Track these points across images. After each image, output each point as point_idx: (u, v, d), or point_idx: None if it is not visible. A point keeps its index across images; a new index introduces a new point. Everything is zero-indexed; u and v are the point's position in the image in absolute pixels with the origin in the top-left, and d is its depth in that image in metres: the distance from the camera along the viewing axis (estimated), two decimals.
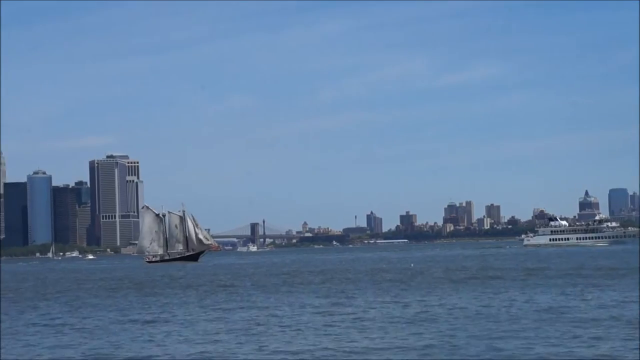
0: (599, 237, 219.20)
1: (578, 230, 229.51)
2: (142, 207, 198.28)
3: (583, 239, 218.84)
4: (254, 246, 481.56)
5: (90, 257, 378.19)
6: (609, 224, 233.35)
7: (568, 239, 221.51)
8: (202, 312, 48.79)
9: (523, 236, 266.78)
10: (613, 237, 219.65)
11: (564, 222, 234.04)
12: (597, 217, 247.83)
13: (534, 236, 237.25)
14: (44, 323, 45.77)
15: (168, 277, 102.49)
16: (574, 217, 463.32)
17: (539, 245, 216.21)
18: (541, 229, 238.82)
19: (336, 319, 42.11)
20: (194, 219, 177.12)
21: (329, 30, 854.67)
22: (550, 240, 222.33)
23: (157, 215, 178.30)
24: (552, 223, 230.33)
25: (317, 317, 43.61)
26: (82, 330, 41.29)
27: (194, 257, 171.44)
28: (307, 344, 33.07)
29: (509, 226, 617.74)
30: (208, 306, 53.15)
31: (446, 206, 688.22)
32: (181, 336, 37.09)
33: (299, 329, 38.19)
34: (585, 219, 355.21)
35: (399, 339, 33.60)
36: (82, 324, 44.11)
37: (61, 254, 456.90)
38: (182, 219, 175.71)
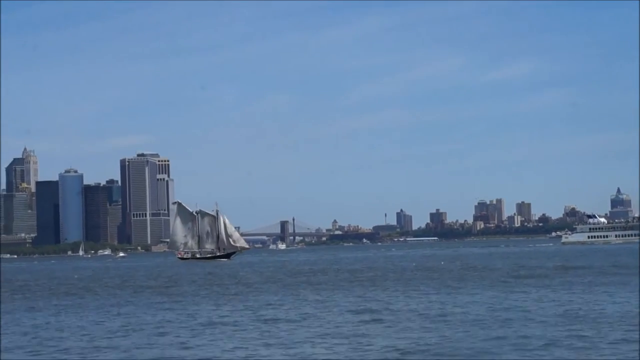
0: (638, 235, 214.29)
1: (617, 227, 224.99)
2: (174, 203, 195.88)
3: (622, 236, 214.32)
4: (283, 244, 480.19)
5: (122, 255, 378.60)
6: None
7: (607, 236, 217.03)
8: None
9: (554, 234, 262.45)
10: None
11: (602, 220, 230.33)
12: (635, 214, 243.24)
13: (572, 234, 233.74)
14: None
15: (191, 274, 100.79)
16: (606, 214, 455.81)
17: (579, 243, 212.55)
18: (579, 226, 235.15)
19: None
20: (226, 219, 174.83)
21: (364, 28, 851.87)
22: (588, 237, 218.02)
23: (190, 212, 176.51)
24: (591, 220, 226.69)
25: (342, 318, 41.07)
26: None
27: (227, 257, 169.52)
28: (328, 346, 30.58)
29: (540, 224, 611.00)
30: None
31: (476, 204, 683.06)
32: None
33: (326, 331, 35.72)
34: (618, 216, 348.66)
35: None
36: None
37: (92, 252, 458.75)
38: (215, 219, 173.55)
